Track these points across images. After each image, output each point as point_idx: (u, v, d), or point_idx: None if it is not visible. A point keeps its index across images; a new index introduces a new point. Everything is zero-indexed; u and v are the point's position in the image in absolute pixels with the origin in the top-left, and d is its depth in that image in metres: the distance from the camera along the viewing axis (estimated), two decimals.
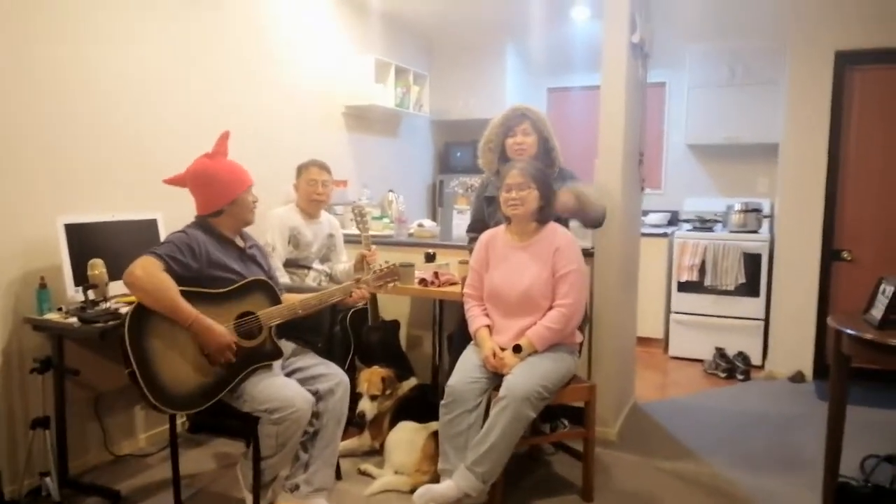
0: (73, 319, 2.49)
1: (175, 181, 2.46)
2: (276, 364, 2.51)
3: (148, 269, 2.18)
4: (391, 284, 2.72)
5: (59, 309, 2.60)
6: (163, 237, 2.64)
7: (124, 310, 2.25)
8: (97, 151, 2.93)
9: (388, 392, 3.09)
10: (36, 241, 2.66)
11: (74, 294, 2.60)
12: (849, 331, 2.49)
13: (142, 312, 2.17)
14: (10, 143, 2.58)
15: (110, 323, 2.46)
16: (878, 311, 2.52)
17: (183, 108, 3.33)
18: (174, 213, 2.77)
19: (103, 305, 2.57)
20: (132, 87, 3.07)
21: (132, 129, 3.08)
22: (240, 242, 2.53)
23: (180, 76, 3.32)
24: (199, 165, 2.44)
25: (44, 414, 2.58)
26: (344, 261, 3.63)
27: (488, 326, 2.71)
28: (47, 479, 2.53)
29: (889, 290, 2.49)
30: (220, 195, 2.42)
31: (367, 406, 3.01)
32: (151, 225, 2.98)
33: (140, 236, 2.85)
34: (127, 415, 3.14)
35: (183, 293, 2.21)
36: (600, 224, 3.03)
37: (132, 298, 2.21)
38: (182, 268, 2.26)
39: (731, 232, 4.88)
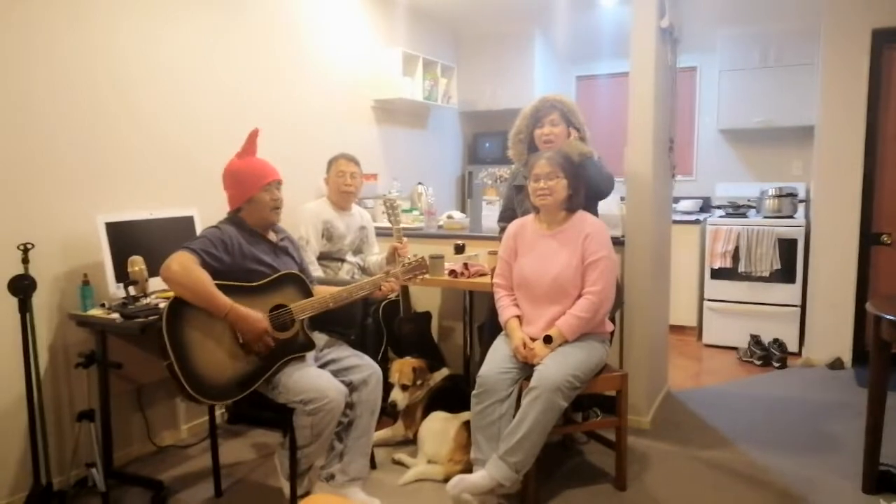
0: (116, 315, 2.57)
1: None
2: (310, 356, 2.56)
3: (184, 263, 2.24)
4: (420, 277, 2.75)
5: (102, 305, 2.69)
6: (199, 233, 2.70)
7: (164, 305, 2.32)
8: (133, 150, 3.00)
9: (419, 382, 3.12)
10: (78, 238, 2.75)
11: (116, 290, 2.68)
12: (888, 316, 2.44)
13: (179, 306, 2.24)
14: (50, 145, 2.67)
15: (151, 318, 2.52)
16: None
17: (215, 106, 3.40)
18: (210, 210, 2.83)
19: (144, 301, 2.64)
20: (165, 84, 3.14)
21: (166, 127, 3.15)
22: (272, 236, 2.58)
23: (211, 73, 3.38)
24: (228, 164, 2.52)
25: (89, 407, 2.68)
26: (376, 252, 3.67)
27: (518, 317, 2.72)
28: (93, 470, 2.61)
29: None
30: (238, 193, 2.49)
31: (398, 396, 3.05)
32: (188, 222, 3.05)
33: (177, 233, 2.93)
34: (168, 407, 3.23)
35: (217, 287, 2.27)
36: (607, 192, 2.97)
37: (171, 293, 2.28)
38: (216, 262, 2.32)
39: (766, 217, 4.80)
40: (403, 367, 3.12)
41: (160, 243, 2.73)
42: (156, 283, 2.64)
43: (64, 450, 2.74)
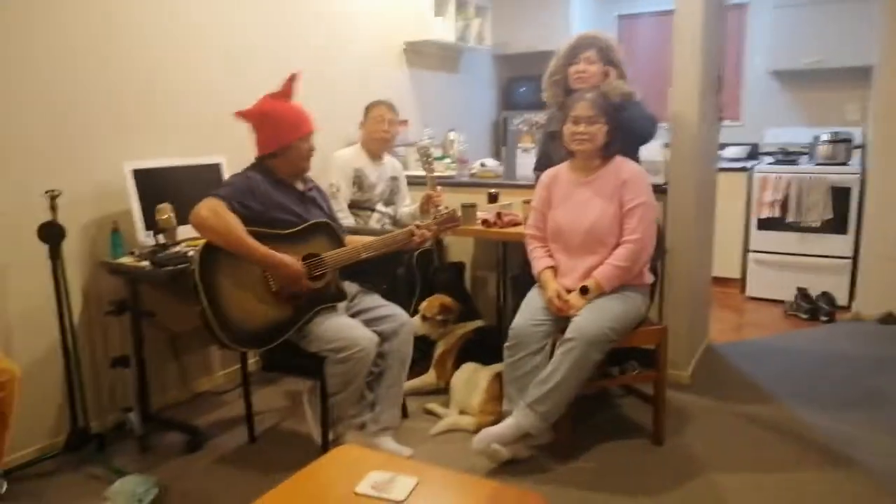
0: (146, 263, 2.56)
1: (243, 115, 2.45)
2: (341, 306, 2.52)
3: (213, 209, 2.20)
4: (452, 229, 2.68)
5: (132, 253, 2.68)
6: (225, 180, 2.66)
7: (193, 253, 2.30)
8: (161, 97, 2.95)
9: (440, 318, 3.12)
10: (106, 186, 2.73)
11: (145, 238, 2.67)
12: None
13: (211, 252, 2.22)
14: (76, 92, 2.63)
15: (180, 266, 2.51)
16: None
17: (243, 51, 3.30)
18: (237, 157, 2.77)
19: (173, 249, 2.63)
20: (193, 31, 3.06)
21: (194, 72, 3.08)
22: (299, 185, 2.52)
23: (239, 18, 3.28)
24: (262, 104, 2.42)
25: (123, 353, 2.70)
26: (408, 203, 3.59)
27: (552, 268, 2.62)
28: (130, 415, 2.67)
29: None
30: (275, 138, 2.40)
31: (416, 323, 3.02)
32: (215, 169, 3.00)
33: (205, 180, 2.87)
34: (204, 354, 3.26)
35: (249, 233, 2.23)
36: (651, 135, 2.81)
37: (201, 242, 2.24)
38: (244, 209, 2.28)
39: (818, 164, 4.55)
40: (432, 301, 3.17)
41: (188, 191, 2.68)
42: (184, 231, 2.62)
43: (101, 394, 2.79)
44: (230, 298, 2.23)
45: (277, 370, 3.08)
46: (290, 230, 2.37)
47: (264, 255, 2.23)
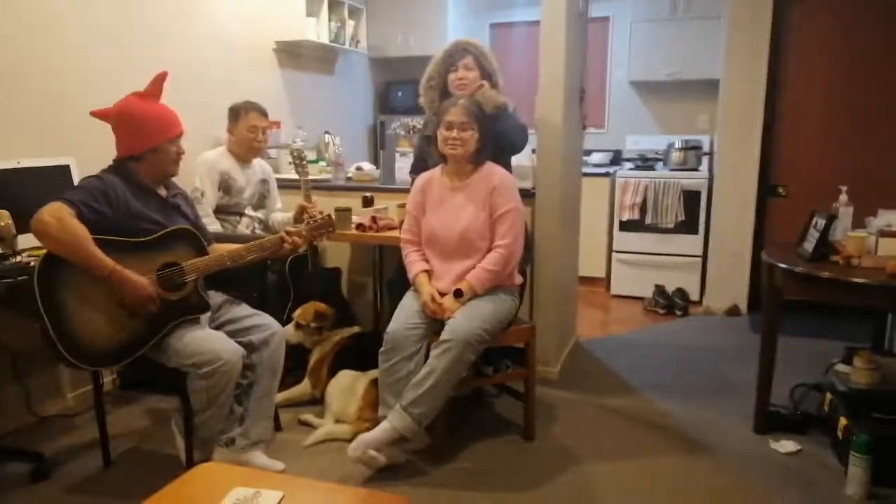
0: None
1: (101, 114, 2.28)
2: (204, 317, 2.39)
3: (57, 215, 2.02)
4: (326, 235, 2.63)
5: None
6: (77, 183, 2.45)
7: (35, 264, 2.09)
8: None
9: (314, 325, 3.04)
10: None
11: None
12: (781, 264, 2.53)
13: (53, 262, 2.03)
14: None
15: (20, 278, 2.27)
16: (809, 245, 2.56)
17: (96, 46, 3.06)
18: (89, 158, 2.56)
19: (12, 260, 2.38)
20: (37, 21, 2.78)
21: (39, 67, 2.81)
22: (162, 191, 2.37)
23: (91, 10, 3.03)
24: (126, 103, 2.27)
25: None
26: (279, 208, 3.48)
27: (427, 271, 2.64)
28: None
29: (820, 223, 2.52)
30: (141, 139, 2.25)
31: (289, 331, 2.94)
32: (64, 171, 2.75)
33: (50, 184, 2.62)
34: (51, 374, 2.98)
35: (99, 241, 2.07)
36: (522, 146, 2.93)
37: (44, 251, 2.05)
38: (97, 216, 2.11)
39: (672, 170, 4.90)
40: (306, 308, 3.07)
41: (30, 196, 2.42)
42: (25, 241, 2.38)
43: None
44: (76, 313, 2.05)
45: (136, 388, 2.90)
46: (147, 238, 2.22)
47: (111, 271, 2.07)
